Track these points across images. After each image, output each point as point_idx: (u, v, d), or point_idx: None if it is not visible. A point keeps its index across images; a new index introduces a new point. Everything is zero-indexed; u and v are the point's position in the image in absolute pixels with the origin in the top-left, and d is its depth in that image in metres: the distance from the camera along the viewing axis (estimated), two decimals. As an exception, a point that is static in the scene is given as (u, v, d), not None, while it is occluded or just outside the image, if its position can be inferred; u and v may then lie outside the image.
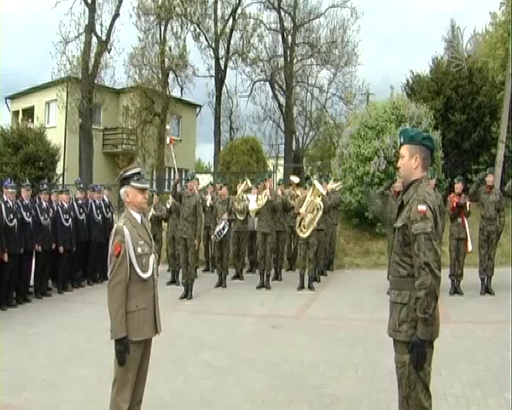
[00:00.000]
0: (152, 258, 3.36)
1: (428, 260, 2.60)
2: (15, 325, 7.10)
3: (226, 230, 9.60)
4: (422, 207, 2.67)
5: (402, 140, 2.91)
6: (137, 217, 3.39)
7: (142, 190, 3.37)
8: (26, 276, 8.67)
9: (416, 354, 2.65)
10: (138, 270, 3.24)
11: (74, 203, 10.01)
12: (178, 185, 9.06)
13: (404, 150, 2.88)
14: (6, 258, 7.80)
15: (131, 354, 3.22)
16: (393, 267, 2.85)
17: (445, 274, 8.52)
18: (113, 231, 3.27)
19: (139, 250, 3.26)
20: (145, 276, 3.27)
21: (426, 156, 2.85)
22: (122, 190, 3.37)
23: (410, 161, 2.85)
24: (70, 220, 9.51)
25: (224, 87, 24.54)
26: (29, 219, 8.48)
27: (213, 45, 23.22)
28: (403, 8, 44.15)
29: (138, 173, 3.39)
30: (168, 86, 22.40)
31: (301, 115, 26.32)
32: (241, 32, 23.25)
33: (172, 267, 10.21)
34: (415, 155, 2.83)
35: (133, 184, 3.33)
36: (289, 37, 24.04)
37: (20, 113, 26.47)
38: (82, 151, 20.42)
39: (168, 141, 12.32)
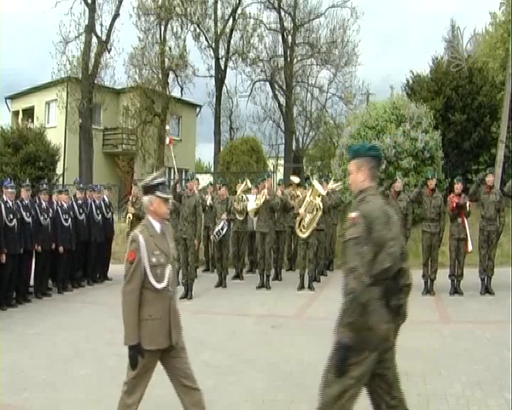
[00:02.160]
0: (168, 269, 3.31)
1: (354, 266, 2.57)
2: (15, 325, 7.10)
3: (225, 230, 9.60)
4: (352, 214, 2.67)
5: (350, 156, 2.92)
6: (157, 226, 3.36)
7: (166, 200, 3.37)
8: (26, 276, 8.67)
9: (337, 356, 2.62)
10: (152, 279, 3.22)
11: (74, 203, 10.00)
12: (178, 185, 9.07)
13: (352, 166, 2.88)
14: (4, 259, 7.80)
15: (145, 363, 3.21)
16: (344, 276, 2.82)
17: (445, 274, 8.59)
18: (130, 238, 3.29)
19: (154, 260, 3.23)
20: (159, 286, 3.24)
21: (373, 166, 2.85)
22: (146, 198, 3.36)
23: (357, 175, 2.84)
24: (69, 220, 9.51)
25: (224, 87, 24.54)
26: (29, 219, 8.48)
27: (213, 45, 23.21)
28: (403, 9, 44.20)
29: (163, 183, 3.39)
30: (168, 86, 22.40)
31: (301, 115, 26.31)
32: (241, 32, 23.24)
33: (172, 267, 10.20)
34: (361, 167, 2.83)
35: (159, 194, 3.32)
36: (289, 37, 24.03)
37: (20, 113, 26.46)
38: (82, 151, 20.42)
39: (168, 141, 12.32)
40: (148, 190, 3.35)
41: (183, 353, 3.41)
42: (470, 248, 8.26)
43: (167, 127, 18.91)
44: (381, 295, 2.66)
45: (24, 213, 8.38)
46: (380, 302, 2.65)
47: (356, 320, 2.57)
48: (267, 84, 25.26)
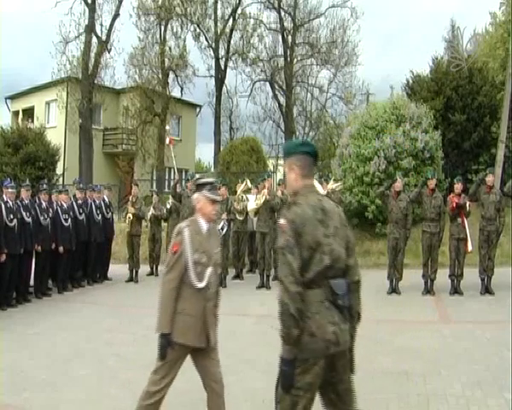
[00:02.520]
0: (209, 270, 3.30)
1: (281, 275, 2.46)
2: (15, 325, 7.09)
3: (225, 230, 9.60)
4: (280, 221, 2.55)
5: (283, 156, 2.79)
6: (204, 226, 3.36)
7: (213, 202, 3.36)
8: (26, 276, 8.66)
9: (280, 372, 2.54)
10: (192, 276, 3.23)
11: (74, 203, 10.00)
12: (178, 185, 9.09)
13: (285, 166, 2.73)
14: (3, 258, 7.79)
15: (174, 356, 3.22)
16: None
17: (445, 274, 8.59)
18: (176, 230, 3.33)
19: (196, 256, 3.24)
20: (198, 285, 3.24)
21: (304, 164, 2.63)
22: (195, 196, 3.42)
23: (289, 175, 2.69)
24: (69, 220, 9.50)
25: (224, 87, 24.57)
26: (29, 219, 8.47)
27: (213, 45, 23.23)
28: (403, 9, 44.18)
29: (211, 183, 3.41)
30: (168, 86, 22.42)
31: (301, 115, 26.34)
32: (241, 32, 23.28)
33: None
34: (292, 166, 2.65)
35: (205, 193, 3.33)
36: (289, 37, 24.06)
37: (20, 113, 26.46)
38: (82, 151, 20.43)
39: (168, 141, 12.32)
40: (198, 187, 3.41)
41: (213, 353, 3.45)
42: (470, 248, 8.27)
43: (167, 127, 18.90)
44: (325, 296, 2.50)
45: (24, 213, 8.37)
46: (324, 304, 2.48)
47: (289, 332, 2.42)
48: (267, 84, 25.29)
